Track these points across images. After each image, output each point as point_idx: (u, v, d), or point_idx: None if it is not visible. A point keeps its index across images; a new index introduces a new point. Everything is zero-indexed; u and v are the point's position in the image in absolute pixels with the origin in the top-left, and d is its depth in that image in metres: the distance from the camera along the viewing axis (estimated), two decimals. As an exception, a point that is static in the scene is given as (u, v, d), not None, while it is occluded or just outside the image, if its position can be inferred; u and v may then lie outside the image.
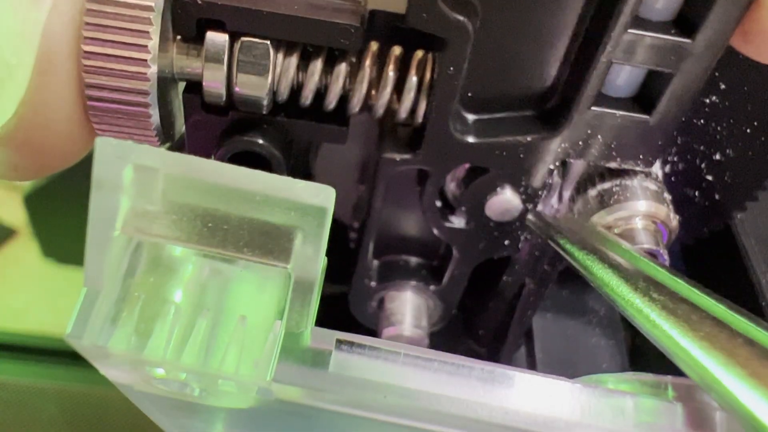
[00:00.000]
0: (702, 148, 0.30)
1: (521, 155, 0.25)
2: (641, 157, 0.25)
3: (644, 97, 0.25)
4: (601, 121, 0.24)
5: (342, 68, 0.24)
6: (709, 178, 0.31)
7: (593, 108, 0.24)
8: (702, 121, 0.29)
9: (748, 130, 0.29)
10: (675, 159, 0.30)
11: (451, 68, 0.23)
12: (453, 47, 0.22)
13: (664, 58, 0.23)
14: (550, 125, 0.25)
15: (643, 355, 0.39)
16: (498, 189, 0.27)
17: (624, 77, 0.24)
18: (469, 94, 0.25)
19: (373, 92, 0.24)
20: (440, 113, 0.24)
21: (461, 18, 0.22)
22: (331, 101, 0.24)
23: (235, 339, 0.19)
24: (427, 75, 0.24)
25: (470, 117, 0.25)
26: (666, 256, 0.28)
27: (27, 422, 0.55)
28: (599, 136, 0.25)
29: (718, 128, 0.29)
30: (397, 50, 0.24)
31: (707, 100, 0.29)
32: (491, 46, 0.23)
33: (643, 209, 0.27)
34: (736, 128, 0.29)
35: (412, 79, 0.24)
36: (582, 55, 0.23)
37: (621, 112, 0.24)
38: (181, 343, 0.19)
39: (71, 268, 0.61)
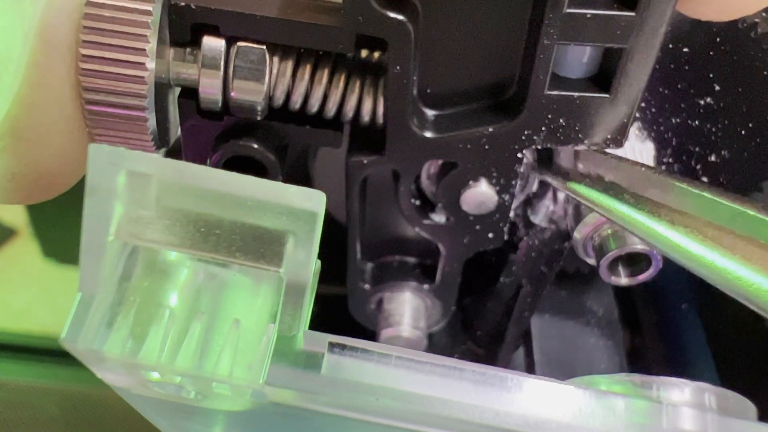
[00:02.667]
0: (697, 149, 0.30)
1: (486, 146, 0.25)
2: (609, 137, 0.25)
3: (602, 76, 0.24)
4: (561, 104, 0.24)
5: (324, 73, 0.24)
6: (705, 179, 0.31)
7: (549, 92, 0.24)
8: (697, 122, 0.29)
9: (743, 132, 0.29)
10: (670, 160, 0.31)
11: (398, 67, 0.23)
12: (395, 47, 0.22)
13: (610, 34, 0.22)
14: (510, 114, 0.25)
15: (641, 356, 0.39)
16: (471, 182, 0.27)
17: (578, 57, 0.24)
18: (428, 90, 0.25)
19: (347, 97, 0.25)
20: (396, 112, 0.24)
21: (399, 17, 0.22)
22: (313, 105, 0.25)
23: (229, 342, 0.19)
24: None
25: (430, 113, 0.25)
26: (659, 257, 0.28)
27: (27, 422, 0.55)
28: (561, 120, 0.25)
29: (713, 129, 0.29)
30: (363, 53, 0.25)
31: (702, 102, 0.29)
32: (440, 41, 0.23)
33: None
34: (731, 129, 0.29)
35: (369, 80, 0.24)
36: (529, 41, 0.23)
37: (579, 93, 0.24)
38: (176, 347, 0.19)
39: (71, 268, 0.61)
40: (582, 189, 0.26)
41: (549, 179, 0.27)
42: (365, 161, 0.26)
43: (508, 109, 0.25)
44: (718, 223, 0.21)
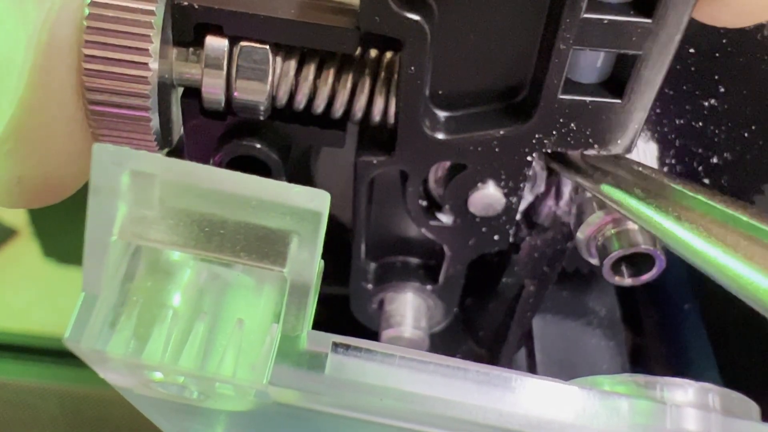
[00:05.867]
0: (700, 150, 0.30)
1: (496, 149, 0.25)
2: (618, 142, 0.25)
3: (615, 82, 0.24)
4: (573, 108, 0.24)
5: (330, 73, 0.24)
6: (706, 181, 0.31)
7: (562, 96, 0.24)
8: (700, 123, 0.29)
9: (746, 134, 0.29)
10: (672, 161, 0.31)
11: (412, 68, 0.23)
12: (410, 47, 0.22)
13: (626, 40, 0.22)
14: (521, 117, 0.25)
15: (643, 356, 0.39)
16: (479, 184, 0.27)
17: (592, 63, 0.24)
18: (440, 92, 0.25)
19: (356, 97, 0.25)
20: (408, 113, 0.24)
21: (415, 17, 0.22)
22: (319, 105, 0.24)
23: (233, 342, 0.19)
24: (395, 76, 0.24)
25: (442, 114, 0.25)
26: (663, 257, 0.28)
27: (28, 422, 0.55)
28: (573, 124, 0.25)
29: (716, 131, 0.29)
30: (372, 53, 0.25)
31: (706, 103, 0.29)
32: (454, 42, 0.23)
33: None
34: (734, 131, 0.29)
35: (380, 80, 0.24)
36: (544, 44, 0.23)
37: (591, 98, 0.24)
38: (179, 347, 0.19)
39: (71, 268, 0.61)
40: (591, 181, 0.26)
41: (557, 168, 0.27)
42: (374, 161, 0.26)
43: (519, 113, 0.25)
44: (722, 221, 0.22)
